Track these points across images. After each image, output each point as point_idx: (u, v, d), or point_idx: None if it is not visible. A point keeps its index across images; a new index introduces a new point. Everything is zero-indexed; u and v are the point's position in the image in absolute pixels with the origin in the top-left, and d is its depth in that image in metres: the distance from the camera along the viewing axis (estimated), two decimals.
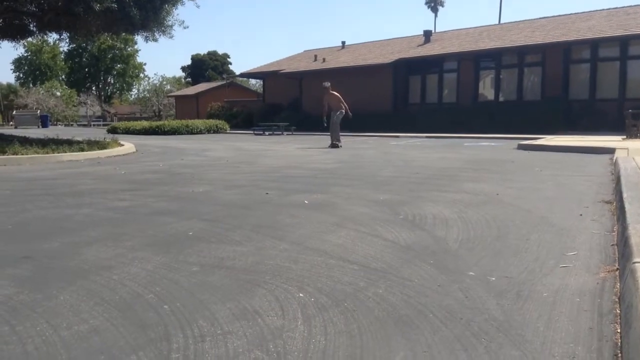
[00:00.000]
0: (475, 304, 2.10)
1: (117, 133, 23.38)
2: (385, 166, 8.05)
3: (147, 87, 67.28)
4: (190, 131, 24.54)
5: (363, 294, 2.24)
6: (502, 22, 40.44)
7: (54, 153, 10.01)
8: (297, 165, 8.37)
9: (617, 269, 2.48)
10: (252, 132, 24.25)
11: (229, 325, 1.92)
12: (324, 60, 27.79)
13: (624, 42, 17.94)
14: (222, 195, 5.19)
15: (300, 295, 2.23)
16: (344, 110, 13.68)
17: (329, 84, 13.80)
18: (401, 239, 3.22)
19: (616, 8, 21.71)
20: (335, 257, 2.83)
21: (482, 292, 2.23)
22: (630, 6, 21.34)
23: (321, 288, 2.32)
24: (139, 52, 74.35)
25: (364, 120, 22.61)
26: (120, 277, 2.52)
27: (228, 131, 26.29)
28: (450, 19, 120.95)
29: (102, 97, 72.42)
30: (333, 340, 1.78)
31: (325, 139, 18.18)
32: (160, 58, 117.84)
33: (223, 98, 36.19)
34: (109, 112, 65.88)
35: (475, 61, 21.70)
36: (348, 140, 16.53)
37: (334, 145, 13.33)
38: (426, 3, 73.74)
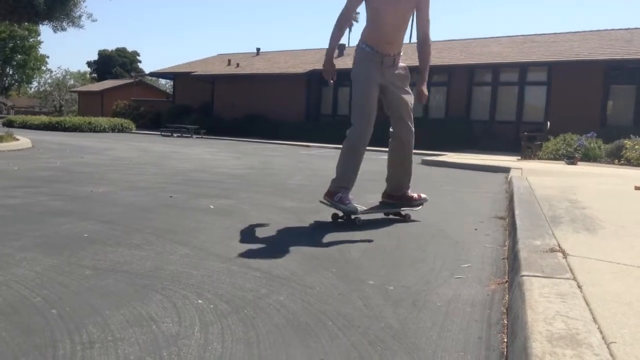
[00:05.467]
0: (373, 312, 2.14)
1: (13, 127, 22.09)
2: (295, 174, 8.08)
3: (49, 81, 63.78)
4: (93, 129, 23.50)
5: (264, 301, 2.23)
6: (412, 41, 41.87)
7: None
8: (205, 169, 8.21)
9: (507, 281, 2.62)
10: (159, 133, 23.61)
11: (121, 331, 1.84)
12: (237, 65, 27.55)
13: (523, 68, 19.14)
14: (124, 197, 4.99)
15: (199, 301, 2.18)
16: None
17: None
18: (305, 247, 3.23)
19: (517, 36, 23.14)
20: (239, 263, 2.79)
21: (380, 301, 2.28)
22: (530, 35, 22.85)
23: (221, 295, 2.28)
24: (42, 43, 70.33)
25: (276, 128, 22.69)
26: (5, 279, 2.36)
27: (134, 131, 25.42)
28: None
29: None
30: (230, 348, 1.75)
31: (234, 144, 17.94)
32: (65, 51, 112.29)
33: (130, 97, 34.91)
34: (6, 105, 61.85)
35: None
36: (258, 147, 16.45)
37: None
38: None
